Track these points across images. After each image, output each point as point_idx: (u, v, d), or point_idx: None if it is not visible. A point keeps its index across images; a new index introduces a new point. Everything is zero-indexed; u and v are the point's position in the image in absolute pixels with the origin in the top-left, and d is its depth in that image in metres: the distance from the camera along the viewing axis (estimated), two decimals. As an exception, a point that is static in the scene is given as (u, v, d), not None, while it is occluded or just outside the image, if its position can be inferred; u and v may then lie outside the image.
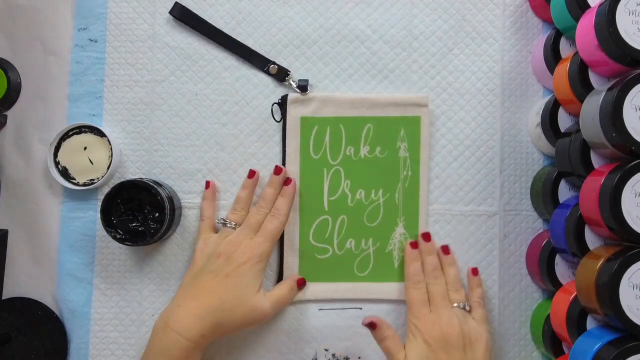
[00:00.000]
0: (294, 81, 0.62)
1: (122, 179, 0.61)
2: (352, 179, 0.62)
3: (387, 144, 0.62)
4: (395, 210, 0.62)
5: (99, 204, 0.59)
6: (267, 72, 0.62)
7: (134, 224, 0.58)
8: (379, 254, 0.62)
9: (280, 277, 0.62)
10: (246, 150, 0.63)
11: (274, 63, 0.62)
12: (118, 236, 0.57)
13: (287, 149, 0.62)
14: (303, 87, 0.62)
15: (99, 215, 0.58)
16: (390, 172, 0.62)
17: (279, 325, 0.61)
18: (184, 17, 0.63)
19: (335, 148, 0.62)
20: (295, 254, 0.62)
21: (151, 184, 0.57)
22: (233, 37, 0.63)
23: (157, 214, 0.57)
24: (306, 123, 0.62)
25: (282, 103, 0.62)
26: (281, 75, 0.62)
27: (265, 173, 0.62)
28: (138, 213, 0.58)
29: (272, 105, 0.62)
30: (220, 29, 0.63)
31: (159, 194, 0.57)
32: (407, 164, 0.62)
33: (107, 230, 0.57)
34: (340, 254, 0.62)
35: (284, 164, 0.62)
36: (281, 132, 0.62)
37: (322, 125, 0.62)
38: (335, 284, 0.61)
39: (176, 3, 0.63)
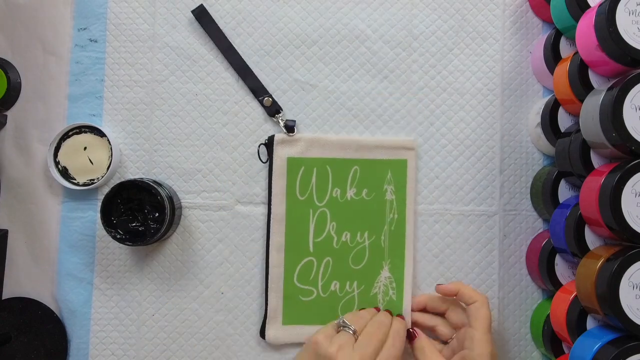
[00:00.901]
0: (282, 120, 0.62)
1: (122, 179, 0.61)
2: (338, 221, 0.61)
3: (374, 187, 0.62)
4: (381, 253, 0.61)
5: (99, 204, 0.59)
6: (261, 103, 0.62)
7: (134, 224, 0.58)
8: (364, 297, 0.61)
9: (264, 319, 0.60)
10: (246, 150, 0.63)
11: (269, 96, 0.62)
12: (118, 236, 0.57)
13: (273, 189, 0.61)
14: (290, 127, 0.61)
15: (99, 215, 0.58)
16: (377, 215, 0.61)
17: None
18: (201, 19, 0.62)
19: (321, 189, 0.61)
20: (279, 295, 0.60)
21: (151, 184, 0.57)
22: (245, 60, 0.63)
23: (157, 214, 0.57)
24: (293, 164, 0.61)
25: (269, 144, 0.62)
26: (272, 110, 0.62)
27: (265, 174, 0.62)
28: (138, 213, 0.58)
29: (259, 145, 0.62)
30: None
31: (159, 194, 0.57)
32: (394, 207, 0.62)
33: (107, 230, 0.57)
34: (324, 296, 0.61)
35: (270, 204, 0.61)
36: (267, 172, 0.62)
37: (309, 166, 0.61)
38: (320, 327, 0.58)
39: (200, 5, 0.62)
